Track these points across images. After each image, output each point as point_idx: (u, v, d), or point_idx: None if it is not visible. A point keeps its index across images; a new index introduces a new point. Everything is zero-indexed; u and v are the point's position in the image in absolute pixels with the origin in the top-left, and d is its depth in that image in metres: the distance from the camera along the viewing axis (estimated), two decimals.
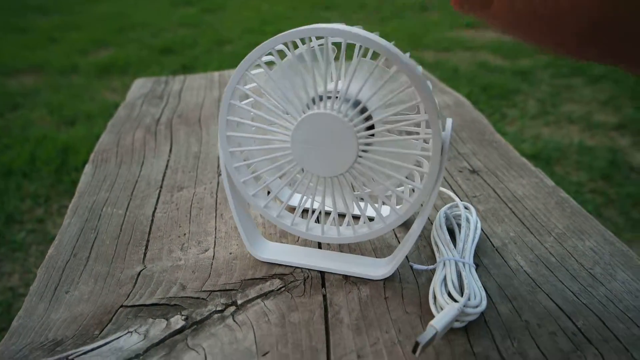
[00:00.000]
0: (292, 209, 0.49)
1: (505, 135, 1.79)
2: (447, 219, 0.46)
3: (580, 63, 2.49)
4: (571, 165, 1.62)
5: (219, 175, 0.59)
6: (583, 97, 2.15)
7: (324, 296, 0.40)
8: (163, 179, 0.59)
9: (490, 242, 0.46)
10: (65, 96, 2.31)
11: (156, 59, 2.80)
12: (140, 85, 0.94)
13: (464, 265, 0.40)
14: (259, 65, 0.38)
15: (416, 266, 0.42)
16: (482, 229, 0.48)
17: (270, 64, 0.40)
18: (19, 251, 1.31)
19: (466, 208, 0.46)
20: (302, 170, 0.40)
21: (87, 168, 0.63)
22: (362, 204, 0.41)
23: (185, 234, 0.49)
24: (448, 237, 0.43)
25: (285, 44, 0.38)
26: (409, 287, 0.41)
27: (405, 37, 3.05)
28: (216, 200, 0.55)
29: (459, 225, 0.44)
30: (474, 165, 0.61)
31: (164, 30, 3.42)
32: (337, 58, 0.40)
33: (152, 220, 0.51)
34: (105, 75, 2.61)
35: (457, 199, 0.48)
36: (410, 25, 3.37)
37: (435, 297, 0.38)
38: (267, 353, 0.35)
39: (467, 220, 0.45)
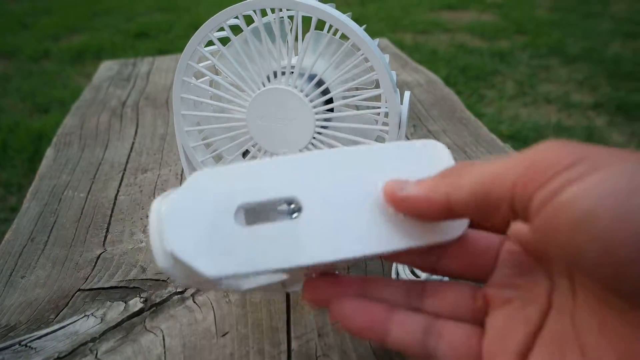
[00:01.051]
0: None
1: (484, 116, 1.80)
2: None
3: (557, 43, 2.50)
4: None
5: None
6: (560, 78, 2.16)
7: None
8: (127, 162, 0.58)
9: None
10: (37, 83, 2.25)
11: (131, 44, 2.74)
12: (107, 68, 0.91)
13: None
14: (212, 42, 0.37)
15: None
16: None
17: (223, 40, 0.39)
18: None
19: None
20: (261, 148, 0.39)
21: (49, 152, 0.61)
22: None
23: (147, 216, 0.48)
24: None
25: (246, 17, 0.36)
26: (373, 264, 0.40)
27: (385, 19, 3.04)
28: (180, 182, 0.53)
29: None
30: (444, 142, 0.60)
31: (139, 14, 3.35)
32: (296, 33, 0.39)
33: (114, 203, 0.50)
34: (79, 61, 2.55)
35: None
36: (389, 7, 3.35)
37: (397, 274, 0.37)
38: (226, 333, 0.35)
39: None
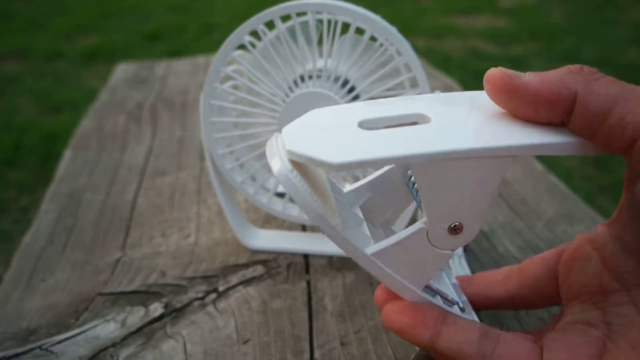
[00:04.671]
0: (279, 194, 0.48)
1: None
2: None
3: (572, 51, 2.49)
4: None
5: (203, 160, 0.58)
6: None
7: (308, 282, 0.39)
8: (145, 165, 0.58)
9: None
10: (50, 83, 2.27)
11: (143, 45, 2.75)
12: (123, 70, 0.92)
13: None
14: (240, 47, 0.37)
15: None
16: None
17: (252, 45, 0.38)
18: (3, 241, 1.29)
19: None
20: None
21: (67, 154, 0.61)
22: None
23: (166, 220, 0.48)
24: None
25: (269, 24, 0.36)
26: None
27: (397, 23, 3.03)
28: (199, 185, 0.53)
29: None
30: None
31: (151, 15, 3.37)
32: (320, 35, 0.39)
33: (133, 206, 0.50)
34: (91, 61, 2.57)
35: None
36: (402, 11, 3.34)
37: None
38: (248, 341, 0.34)
39: None
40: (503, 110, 0.21)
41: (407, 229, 0.22)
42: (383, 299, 0.25)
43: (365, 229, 0.24)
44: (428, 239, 0.22)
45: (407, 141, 0.20)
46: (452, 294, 0.27)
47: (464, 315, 0.25)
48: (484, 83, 0.21)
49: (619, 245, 0.22)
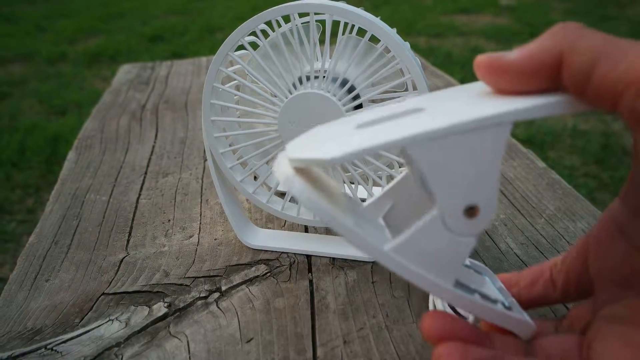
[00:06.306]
0: (280, 194, 0.48)
1: None
2: None
3: None
4: (564, 150, 1.62)
5: (205, 160, 0.58)
6: None
7: (310, 281, 0.39)
8: (148, 165, 0.58)
9: None
10: (54, 85, 2.28)
11: (146, 47, 2.76)
12: (126, 71, 0.92)
13: None
14: (242, 47, 0.37)
15: None
16: None
17: (253, 45, 0.39)
18: (9, 242, 1.30)
19: None
20: None
21: (71, 155, 0.62)
22: (352, 186, 0.40)
23: (169, 220, 0.48)
24: None
25: (269, 23, 0.36)
26: None
27: (398, 23, 3.03)
28: (202, 185, 0.53)
29: None
30: None
31: (154, 17, 3.38)
32: (321, 36, 0.39)
33: (136, 207, 0.50)
34: (95, 63, 2.58)
35: None
36: (402, 10, 3.34)
37: (435, 306, 0.36)
38: (251, 339, 0.34)
39: None
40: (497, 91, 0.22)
41: (422, 219, 0.22)
42: (434, 334, 0.23)
43: (386, 231, 0.24)
44: (445, 226, 0.22)
45: (399, 129, 0.20)
46: (495, 295, 0.26)
47: (511, 314, 0.25)
48: (475, 70, 0.21)
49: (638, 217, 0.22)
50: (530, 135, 1.68)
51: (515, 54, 0.20)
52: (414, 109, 0.22)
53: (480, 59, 0.21)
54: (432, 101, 0.23)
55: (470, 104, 0.21)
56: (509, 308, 0.26)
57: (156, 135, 0.66)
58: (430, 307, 0.36)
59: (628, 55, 0.18)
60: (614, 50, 0.18)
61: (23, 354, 0.34)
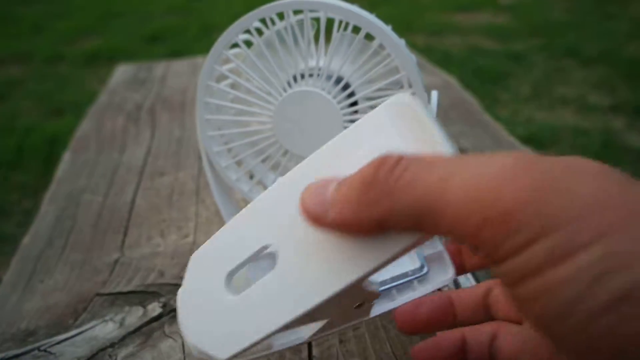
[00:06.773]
0: None
1: (499, 119, 1.78)
2: None
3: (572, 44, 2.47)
4: (566, 148, 1.62)
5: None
6: (576, 80, 2.13)
7: None
8: (144, 165, 0.58)
9: None
10: (51, 86, 2.27)
11: (144, 47, 2.76)
12: (122, 71, 0.92)
13: None
14: (237, 45, 0.37)
15: None
16: None
17: (247, 43, 0.38)
18: (7, 244, 1.29)
19: None
20: (286, 152, 0.38)
21: (66, 155, 0.61)
22: None
23: (165, 220, 0.48)
24: None
25: (263, 21, 0.36)
26: None
27: (396, 20, 3.02)
28: (198, 185, 0.53)
29: None
30: (463, 146, 0.59)
31: (152, 17, 3.37)
32: (316, 34, 0.39)
33: (132, 207, 0.50)
34: (92, 64, 2.57)
35: None
36: (401, 8, 3.33)
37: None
38: None
39: None
40: None
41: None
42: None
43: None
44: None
45: (270, 309, 0.20)
46: (406, 266, 0.27)
47: (423, 286, 0.27)
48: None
49: None
50: (531, 133, 1.68)
51: (334, 217, 0.19)
52: (265, 247, 0.22)
53: (304, 207, 0.19)
54: (282, 229, 0.22)
55: (331, 251, 0.20)
56: (422, 267, 0.27)
57: (152, 135, 0.65)
58: None
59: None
60: (439, 202, 0.17)
61: (16, 356, 0.33)
